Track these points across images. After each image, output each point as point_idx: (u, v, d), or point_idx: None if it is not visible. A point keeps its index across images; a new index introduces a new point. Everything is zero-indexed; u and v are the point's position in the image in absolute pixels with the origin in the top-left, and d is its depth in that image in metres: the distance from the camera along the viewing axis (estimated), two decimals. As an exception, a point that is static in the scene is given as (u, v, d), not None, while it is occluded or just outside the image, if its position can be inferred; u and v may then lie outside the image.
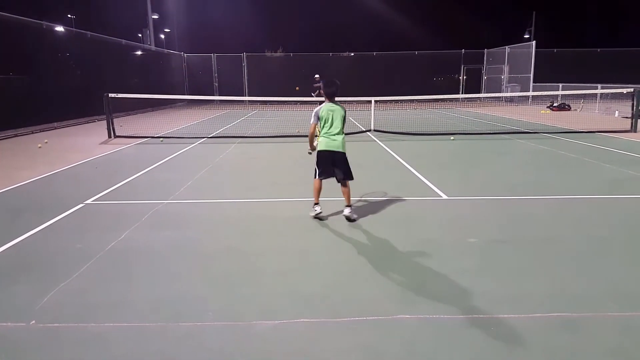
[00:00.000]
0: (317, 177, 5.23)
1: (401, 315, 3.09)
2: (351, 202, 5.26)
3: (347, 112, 5.27)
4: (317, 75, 18.95)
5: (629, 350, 2.71)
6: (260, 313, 3.16)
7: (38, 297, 3.40)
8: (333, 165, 5.18)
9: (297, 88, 26.07)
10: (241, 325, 3.01)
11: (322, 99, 5.31)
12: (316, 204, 5.24)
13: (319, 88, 20.85)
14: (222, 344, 2.81)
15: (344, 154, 5.20)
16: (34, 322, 3.07)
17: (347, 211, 5.17)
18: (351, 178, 5.23)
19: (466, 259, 4.07)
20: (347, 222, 5.10)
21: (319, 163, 5.23)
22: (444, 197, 6.20)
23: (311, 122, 5.23)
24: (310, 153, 5.48)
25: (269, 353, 2.71)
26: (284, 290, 3.52)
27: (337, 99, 5.21)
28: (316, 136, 5.31)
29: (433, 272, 3.81)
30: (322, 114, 5.14)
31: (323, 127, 5.17)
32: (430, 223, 5.16)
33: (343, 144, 5.19)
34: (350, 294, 3.44)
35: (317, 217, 5.22)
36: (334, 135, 5.13)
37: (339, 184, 5.24)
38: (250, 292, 3.49)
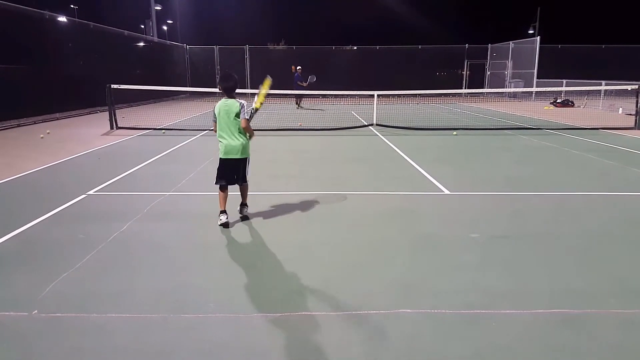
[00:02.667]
0: (217, 183, 4.75)
1: (402, 310, 3.09)
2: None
3: (246, 106, 4.63)
4: (299, 67, 19.37)
5: (630, 347, 2.70)
6: (261, 305, 3.17)
7: (40, 286, 3.41)
8: (233, 172, 4.74)
9: None
10: (242, 317, 3.01)
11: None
12: (222, 211, 4.68)
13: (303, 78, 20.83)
14: (223, 335, 2.82)
15: (245, 159, 4.73)
16: (36, 311, 3.08)
17: (245, 210, 4.99)
18: (246, 181, 4.88)
19: (468, 254, 4.07)
20: (349, 215, 5.10)
21: (219, 169, 4.75)
22: (446, 192, 6.19)
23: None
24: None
25: (269, 345, 2.72)
26: (284, 283, 3.52)
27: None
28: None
29: (434, 266, 3.81)
30: (216, 112, 4.57)
31: (218, 127, 4.63)
32: (432, 218, 5.16)
33: (244, 147, 4.65)
34: (351, 287, 3.45)
35: (222, 225, 4.66)
36: (230, 138, 4.59)
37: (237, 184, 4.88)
38: (251, 284, 3.50)
